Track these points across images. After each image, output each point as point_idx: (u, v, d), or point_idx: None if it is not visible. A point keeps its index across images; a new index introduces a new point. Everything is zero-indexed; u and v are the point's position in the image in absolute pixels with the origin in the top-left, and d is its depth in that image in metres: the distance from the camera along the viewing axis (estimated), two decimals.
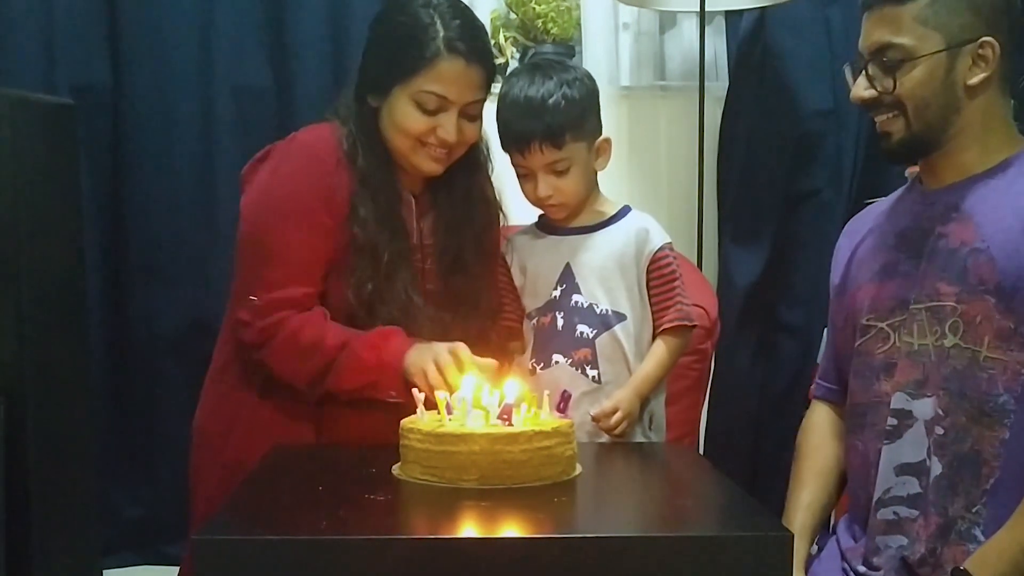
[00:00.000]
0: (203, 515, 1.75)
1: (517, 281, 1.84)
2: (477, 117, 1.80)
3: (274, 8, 2.63)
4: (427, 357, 1.65)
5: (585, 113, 1.74)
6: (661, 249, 1.77)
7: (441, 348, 1.66)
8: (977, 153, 1.52)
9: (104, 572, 2.04)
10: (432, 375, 1.62)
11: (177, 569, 2.07)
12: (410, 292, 1.76)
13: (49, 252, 1.73)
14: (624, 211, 1.82)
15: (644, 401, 1.75)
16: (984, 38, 1.48)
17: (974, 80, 1.49)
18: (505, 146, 1.77)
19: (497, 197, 1.92)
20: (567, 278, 1.78)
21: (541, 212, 1.85)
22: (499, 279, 1.86)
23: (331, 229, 1.73)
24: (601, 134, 1.78)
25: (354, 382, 1.70)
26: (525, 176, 1.77)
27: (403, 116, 1.74)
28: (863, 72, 1.54)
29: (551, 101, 1.71)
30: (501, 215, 1.92)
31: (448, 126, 1.74)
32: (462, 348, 1.65)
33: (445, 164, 1.79)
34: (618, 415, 1.70)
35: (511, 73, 1.82)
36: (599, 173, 1.82)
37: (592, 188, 1.81)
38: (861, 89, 1.55)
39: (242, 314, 1.73)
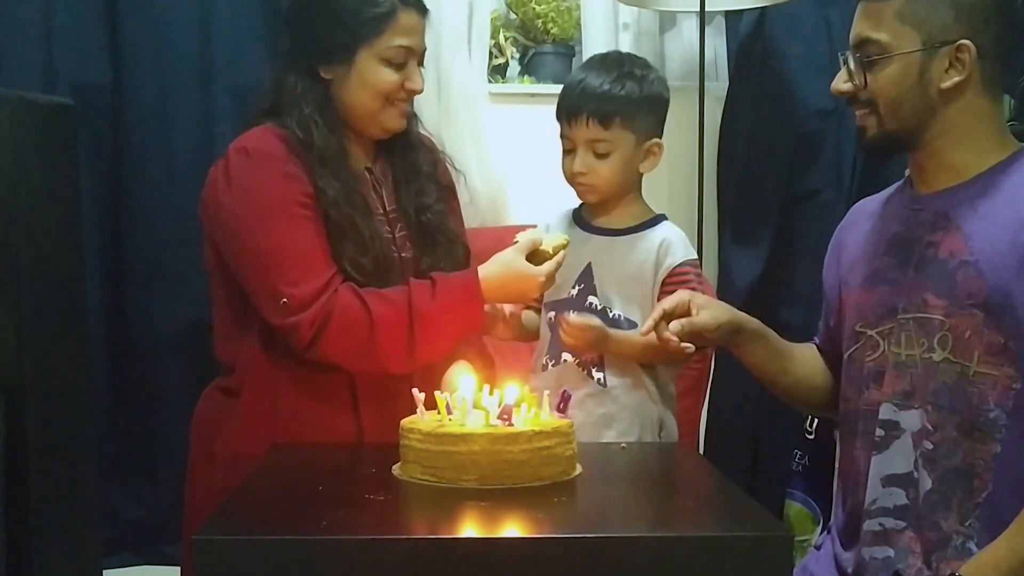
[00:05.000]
0: (196, 518, 1.75)
1: None
2: (422, 64, 1.85)
3: (274, 8, 2.63)
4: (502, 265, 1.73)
5: (643, 108, 1.77)
6: (682, 265, 1.77)
7: (509, 253, 1.73)
8: (964, 156, 1.50)
9: (104, 572, 2.04)
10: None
11: (178, 569, 2.07)
12: (394, 256, 1.80)
13: (49, 252, 1.73)
14: (656, 220, 1.83)
15: (605, 345, 1.74)
16: (961, 41, 1.45)
17: (948, 83, 1.47)
18: (558, 115, 1.79)
19: (435, 137, 2.00)
20: (586, 278, 1.79)
21: (578, 204, 1.86)
22: None
23: (312, 218, 1.74)
24: (657, 138, 1.79)
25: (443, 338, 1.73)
26: (569, 152, 1.79)
27: (375, 76, 1.79)
28: (845, 64, 1.55)
29: (610, 85, 1.75)
30: (444, 156, 1.98)
31: (415, 76, 1.82)
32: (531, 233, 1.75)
33: (406, 117, 1.86)
34: (586, 331, 1.70)
35: (591, 58, 1.87)
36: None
37: (631, 188, 1.82)
38: (840, 82, 1.55)
39: (276, 320, 1.71)
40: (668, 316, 1.65)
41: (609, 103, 1.74)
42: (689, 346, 1.65)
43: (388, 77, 1.79)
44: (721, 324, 1.66)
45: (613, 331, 1.74)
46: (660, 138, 1.80)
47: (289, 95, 1.81)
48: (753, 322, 1.71)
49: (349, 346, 1.70)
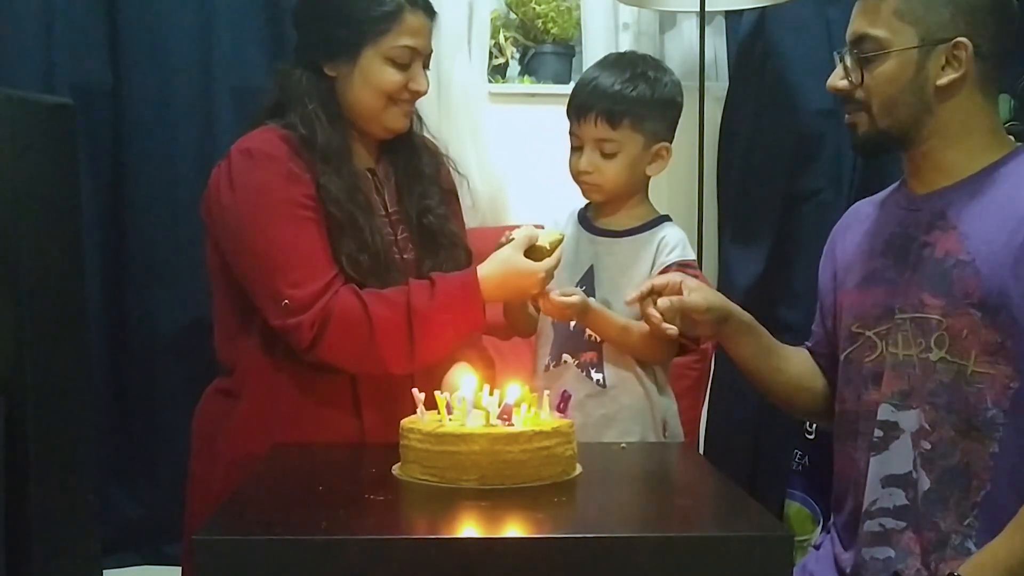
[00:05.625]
0: (197, 518, 1.75)
1: None
2: (427, 66, 1.86)
3: (274, 8, 2.63)
4: (501, 263, 1.72)
5: (653, 111, 1.77)
6: (675, 264, 1.77)
7: (507, 250, 1.72)
8: (960, 156, 1.50)
9: (104, 572, 2.04)
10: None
11: (178, 569, 2.07)
12: (396, 257, 1.80)
13: (49, 252, 1.73)
14: (658, 220, 1.83)
15: (585, 318, 1.74)
16: (958, 38, 1.45)
17: (943, 81, 1.47)
18: (567, 111, 1.79)
19: (436, 137, 2.01)
20: (587, 280, 1.80)
21: (584, 204, 1.86)
22: None
23: (315, 219, 1.74)
24: (666, 142, 1.79)
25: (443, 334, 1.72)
26: (576, 149, 1.79)
27: (379, 75, 1.79)
28: (841, 61, 1.55)
29: (622, 86, 1.75)
30: (447, 160, 1.99)
31: (419, 78, 1.82)
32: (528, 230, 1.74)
33: (409, 118, 1.87)
34: (564, 311, 1.71)
35: (606, 56, 1.87)
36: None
37: (636, 189, 1.82)
38: (836, 79, 1.56)
39: (277, 321, 1.71)
40: (657, 294, 1.65)
41: (619, 103, 1.74)
42: (672, 328, 1.64)
43: (392, 77, 1.79)
44: (711, 307, 1.66)
45: (595, 306, 1.73)
46: (671, 142, 1.80)
47: (293, 91, 1.81)
48: (744, 314, 1.71)
49: (349, 347, 1.70)
